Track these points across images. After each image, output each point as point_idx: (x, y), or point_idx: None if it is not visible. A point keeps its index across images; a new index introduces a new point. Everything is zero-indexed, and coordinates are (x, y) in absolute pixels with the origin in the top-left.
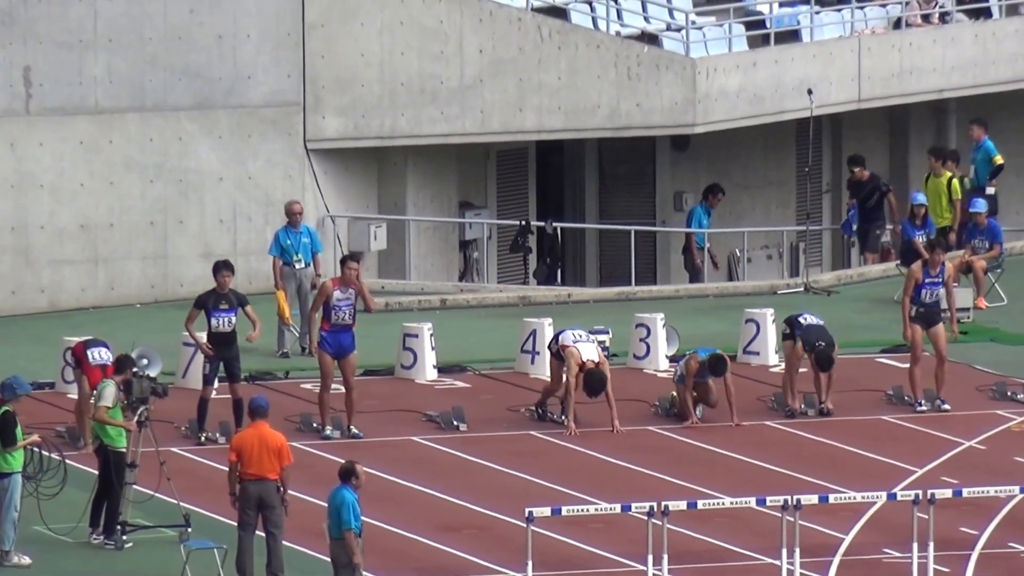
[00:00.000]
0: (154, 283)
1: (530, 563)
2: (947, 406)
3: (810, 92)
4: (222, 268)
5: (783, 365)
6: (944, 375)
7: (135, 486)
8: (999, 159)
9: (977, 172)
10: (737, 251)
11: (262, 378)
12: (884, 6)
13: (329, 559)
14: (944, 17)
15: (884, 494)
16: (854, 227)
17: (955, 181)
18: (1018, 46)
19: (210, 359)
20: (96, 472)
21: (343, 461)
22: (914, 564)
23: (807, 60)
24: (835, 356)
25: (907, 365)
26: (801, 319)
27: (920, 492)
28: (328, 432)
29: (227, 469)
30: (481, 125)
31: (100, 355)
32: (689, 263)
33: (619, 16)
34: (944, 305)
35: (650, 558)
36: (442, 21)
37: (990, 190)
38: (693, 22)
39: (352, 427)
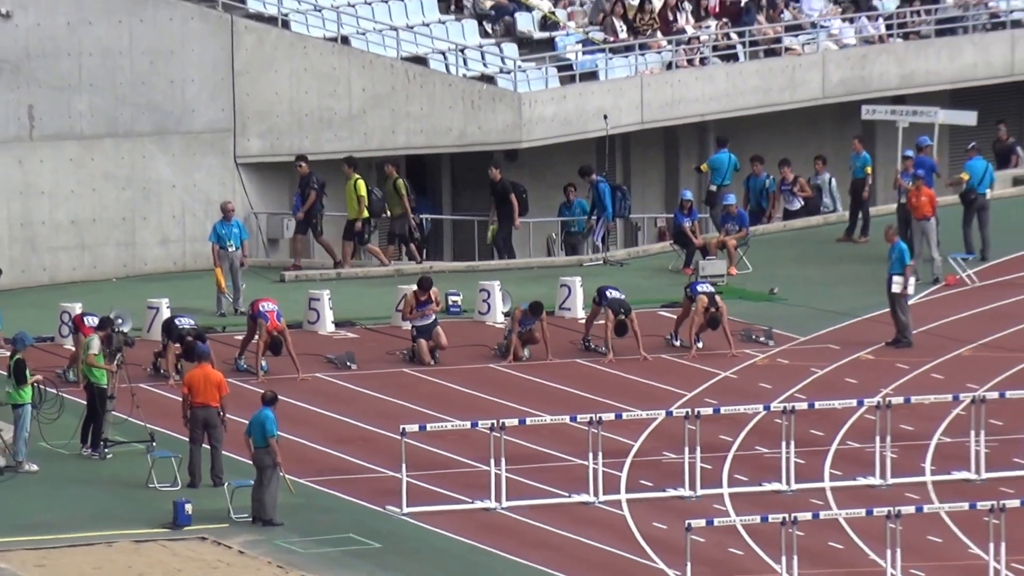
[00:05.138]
0: (125, 263)
1: (404, 466)
2: (701, 343)
3: (605, 117)
4: None
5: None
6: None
7: (114, 412)
8: (869, 169)
9: (854, 173)
10: (553, 234)
11: (206, 332)
12: (659, 52)
13: (252, 463)
14: (703, 61)
15: (663, 412)
16: (299, 211)
17: (360, 182)
18: (758, 82)
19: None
20: (84, 403)
21: (264, 391)
22: (686, 464)
23: (603, 93)
24: (629, 322)
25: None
26: (607, 292)
27: (690, 410)
28: (244, 365)
29: (181, 400)
30: (365, 144)
31: (91, 320)
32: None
33: (465, 63)
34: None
35: (492, 461)
36: (335, 68)
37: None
38: (519, 66)
39: (264, 363)
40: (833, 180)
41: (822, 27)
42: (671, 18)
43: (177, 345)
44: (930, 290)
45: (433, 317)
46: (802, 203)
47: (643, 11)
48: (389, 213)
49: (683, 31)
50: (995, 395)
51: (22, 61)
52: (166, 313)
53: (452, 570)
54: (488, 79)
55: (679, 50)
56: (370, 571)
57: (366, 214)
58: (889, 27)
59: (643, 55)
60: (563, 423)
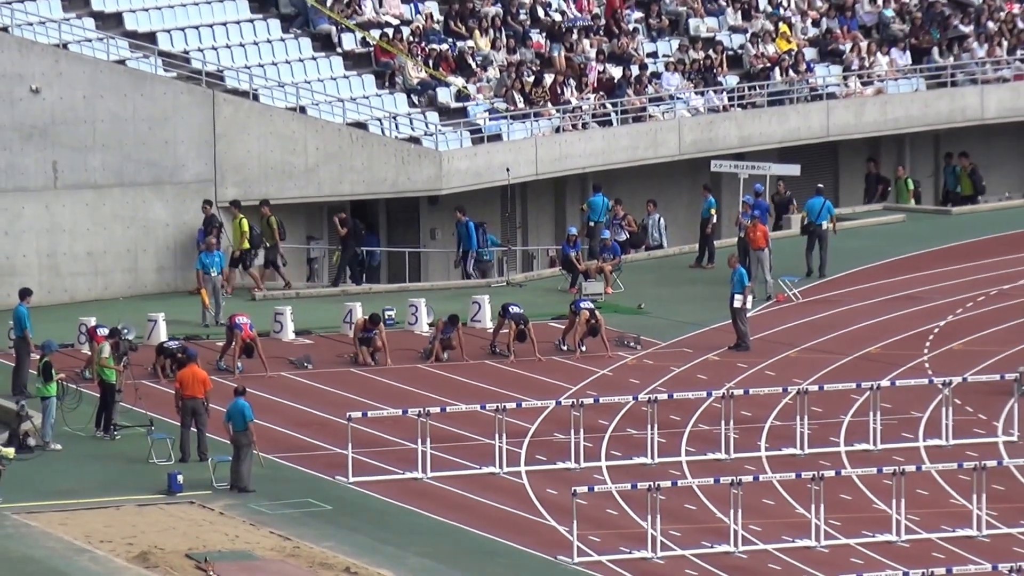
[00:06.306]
0: (130, 285)
1: (349, 444)
2: (584, 348)
3: (508, 170)
4: None
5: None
6: (585, 333)
7: (121, 403)
8: (714, 210)
9: (702, 214)
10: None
11: (193, 338)
12: (550, 119)
13: (231, 443)
14: (585, 125)
15: (554, 402)
16: (202, 243)
17: (244, 220)
18: (628, 142)
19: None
20: (98, 395)
21: (236, 385)
22: (572, 443)
23: (506, 151)
24: (527, 331)
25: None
26: (510, 307)
27: (575, 400)
28: (223, 365)
29: (174, 393)
30: (318, 191)
31: (103, 331)
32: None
33: (396, 127)
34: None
35: (419, 440)
36: (294, 131)
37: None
38: (439, 130)
39: (239, 364)
40: (662, 220)
41: (678, 99)
42: (559, 92)
43: (167, 360)
44: (764, 305)
45: (374, 332)
46: (628, 235)
47: (537, 86)
48: (267, 244)
49: (569, 102)
50: (815, 388)
51: (48, 127)
52: (163, 325)
53: (388, 526)
54: (415, 140)
55: (565, 117)
56: (323, 527)
57: (247, 245)
58: (731, 99)
59: (537, 121)
60: (475, 410)
